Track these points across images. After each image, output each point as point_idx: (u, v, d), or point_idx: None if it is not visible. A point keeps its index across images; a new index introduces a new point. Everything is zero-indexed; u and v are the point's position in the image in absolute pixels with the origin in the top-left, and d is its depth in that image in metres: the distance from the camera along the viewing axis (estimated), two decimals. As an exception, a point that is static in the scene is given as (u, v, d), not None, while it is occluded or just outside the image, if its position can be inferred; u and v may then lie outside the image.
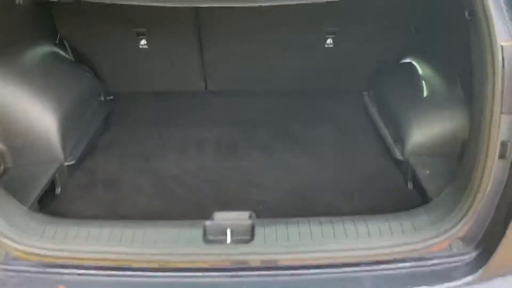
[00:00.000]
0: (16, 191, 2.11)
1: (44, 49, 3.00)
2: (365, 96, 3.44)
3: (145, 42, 3.26)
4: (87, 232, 1.89)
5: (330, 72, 3.47)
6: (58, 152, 2.58)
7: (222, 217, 2.08)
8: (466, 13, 1.81)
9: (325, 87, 3.57)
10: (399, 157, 2.63)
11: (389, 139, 2.81)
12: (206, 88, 3.58)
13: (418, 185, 2.43)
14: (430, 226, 1.90)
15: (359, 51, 3.33)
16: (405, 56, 3.30)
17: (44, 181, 2.37)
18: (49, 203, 2.40)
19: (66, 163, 2.60)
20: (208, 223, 1.97)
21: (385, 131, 2.91)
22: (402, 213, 2.05)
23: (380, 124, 3.00)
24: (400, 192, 2.48)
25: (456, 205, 1.86)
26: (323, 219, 2.00)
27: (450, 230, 1.84)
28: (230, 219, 2.02)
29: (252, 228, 1.96)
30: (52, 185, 2.48)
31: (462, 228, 1.83)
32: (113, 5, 2.51)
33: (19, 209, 1.99)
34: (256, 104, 3.46)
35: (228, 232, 1.95)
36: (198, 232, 1.92)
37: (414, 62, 3.11)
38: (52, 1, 2.84)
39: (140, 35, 3.22)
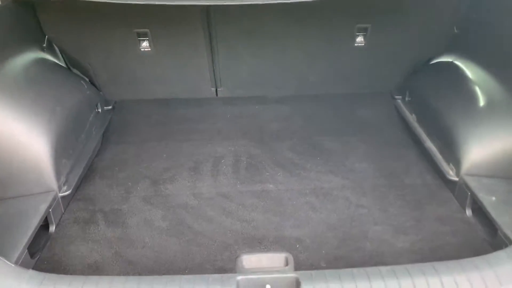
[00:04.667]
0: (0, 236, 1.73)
1: (29, 55, 2.55)
2: (398, 100, 3.04)
3: (148, 44, 2.83)
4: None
5: (358, 74, 3.07)
6: (52, 182, 2.17)
7: (252, 263, 1.72)
8: None
9: (352, 91, 3.17)
10: (453, 177, 2.25)
11: (437, 155, 2.42)
12: (216, 95, 3.16)
13: (480, 213, 2.07)
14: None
15: (393, 50, 2.91)
16: (441, 55, 2.91)
17: (35, 220, 1.97)
18: (42, 247, 1.99)
19: (61, 194, 2.19)
20: (240, 278, 1.59)
21: (430, 145, 2.52)
22: (478, 259, 1.66)
23: (423, 135, 2.60)
24: (458, 221, 2.11)
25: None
26: (384, 269, 1.61)
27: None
28: (265, 270, 1.65)
29: (297, 282, 1.57)
30: (45, 221, 2.08)
31: None
32: (109, 2, 2.13)
33: (3, 267, 1.58)
34: (274, 112, 3.06)
35: (268, 290, 1.57)
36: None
37: (458, 62, 2.70)
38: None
39: (141, 37, 2.79)
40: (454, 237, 2.00)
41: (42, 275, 1.61)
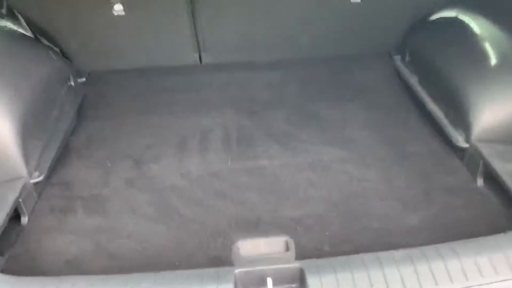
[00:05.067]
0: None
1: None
2: (397, 60, 2.83)
3: (121, 8, 2.58)
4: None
5: (354, 33, 2.85)
6: (20, 167, 1.93)
7: (249, 251, 1.56)
8: None
9: (348, 52, 2.94)
10: (462, 144, 2.07)
11: (443, 120, 2.24)
12: (200, 61, 2.92)
13: (492, 183, 1.91)
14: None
15: (391, 5, 2.68)
16: (443, 8, 2.68)
17: (3, 212, 1.74)
18: (13, 242, 1.78)
19: (33, 180, 1.96)
20: (238, 272, 1.41)
21: (434, 108, 2.33)
22: (499, 237, 1.52)
23: (426, 99, 2.41)
24: (470, 192, 1.95)
25: None
26: (397, 254, 1.46)
27: None
28: (264, 258, 1.49)
29: (302, 274, 1.41)
30: (15, 212, 1.86)
31: None
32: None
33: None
34: (264, 78, 2.85)
35: (269, 283, 1.40)
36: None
37: (463, 17, 2.47)
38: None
39: (113, -1, 2.52)
40: (466, 210, 1.85)
41: (13, 279, 1.43)
